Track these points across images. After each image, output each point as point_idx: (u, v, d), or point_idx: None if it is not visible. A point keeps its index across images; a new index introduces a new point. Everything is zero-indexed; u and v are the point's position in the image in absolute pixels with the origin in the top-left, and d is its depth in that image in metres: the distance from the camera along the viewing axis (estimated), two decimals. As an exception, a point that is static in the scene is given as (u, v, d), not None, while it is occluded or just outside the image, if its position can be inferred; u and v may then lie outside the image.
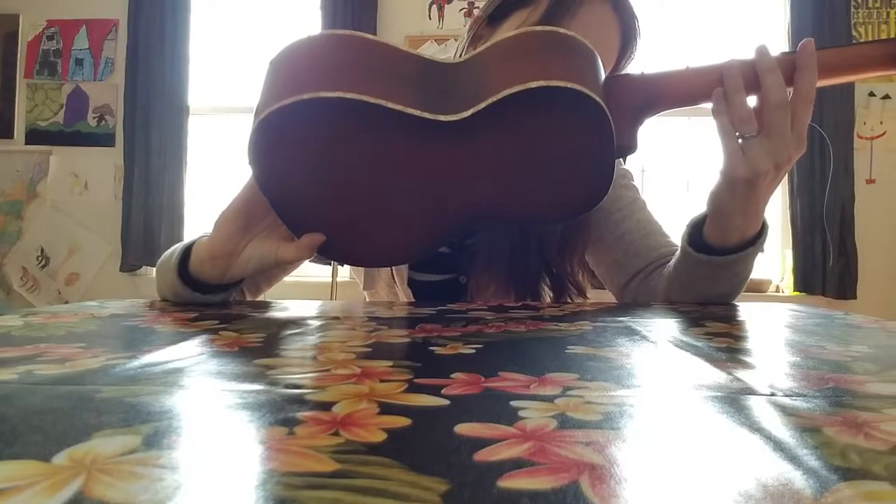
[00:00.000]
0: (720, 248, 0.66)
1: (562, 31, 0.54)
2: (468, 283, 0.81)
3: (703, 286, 0.69)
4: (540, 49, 0.52)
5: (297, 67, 0.51)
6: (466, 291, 0.81)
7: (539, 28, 0.54)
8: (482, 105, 0.49)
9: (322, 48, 0.51)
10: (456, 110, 0.50)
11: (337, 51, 0.51)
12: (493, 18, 0.75)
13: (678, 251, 0.71)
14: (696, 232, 0.68)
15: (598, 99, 0.50)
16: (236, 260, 0.61)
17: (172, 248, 0.69)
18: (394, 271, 0.82)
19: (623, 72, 0.64)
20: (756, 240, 0.66)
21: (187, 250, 0.65)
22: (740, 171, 0.58)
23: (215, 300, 0.66)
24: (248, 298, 0.79)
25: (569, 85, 0.49)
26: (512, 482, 0.17)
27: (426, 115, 0.50)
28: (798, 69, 0.56)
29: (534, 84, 0.48)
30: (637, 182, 0.89)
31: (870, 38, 2.85)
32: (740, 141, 0.58)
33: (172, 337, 0.42)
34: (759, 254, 0.68)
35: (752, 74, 0.56)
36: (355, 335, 0.43)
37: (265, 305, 0.64)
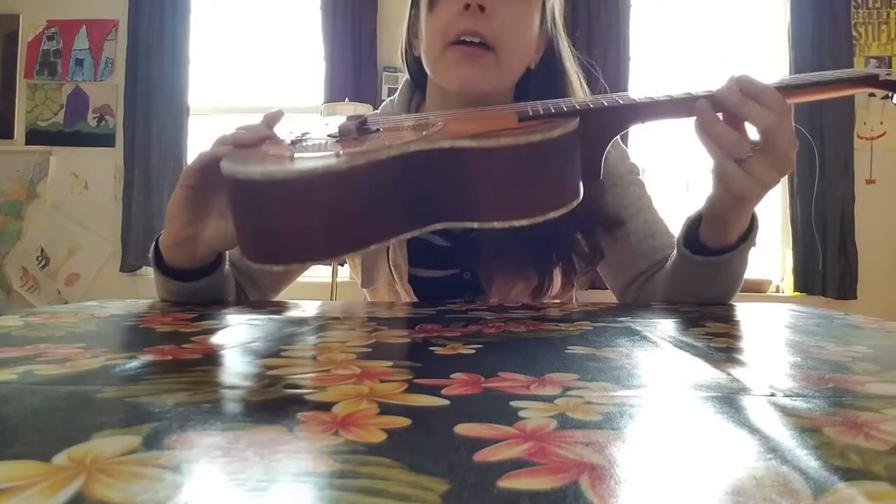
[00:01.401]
0: (717, 247, 0.66)
1: (540, 141, 0.49)
2: (476, 277, 0.80)
3: (701, 287, 0.69)
4: (526, 172, 0.49)
5: (276, 227, 0.45)
6: (469, 287, 0.80)
7: (523, 144, 0.48)
8: (474, 225, 0.49)
9: (294, 198, 0.44)
10: (443, 219, 0.49)
11: (311, 204, 0.44)
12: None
13: (675, 254, 0.71)
14: (691, 233, 0.68)
15: (575, 203, 0.52)
16: (200, 243, 0.63)
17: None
18: (392, 269, 0.81)
19: (597, 97, 0.60)
20: (748, 234, 0.66)
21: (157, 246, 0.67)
22: (748, 189, 0.57)
23: (201, 286, 0.66)
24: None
25: (551, 214, 0.50)
26: (512, 482, 0.17)
27: (415, 232, 0.49)
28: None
29: (517, 223, 0.49)
30: None
31: (870, 39, 2.85)
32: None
33: (172, 337, 0.42)
34: (752, 248, 0.68)
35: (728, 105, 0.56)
36: (355, 335, 0.43)
37: (265, 305, 0.64)
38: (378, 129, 0.57)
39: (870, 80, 0.57)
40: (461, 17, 0.70)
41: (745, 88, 0.55)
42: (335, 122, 0.60)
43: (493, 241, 0.77)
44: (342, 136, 0.55)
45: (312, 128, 0.61)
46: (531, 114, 0.56)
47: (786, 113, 0.55)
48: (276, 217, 0.44)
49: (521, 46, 0.74)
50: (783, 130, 0.55)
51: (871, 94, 2.82)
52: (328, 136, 0.57)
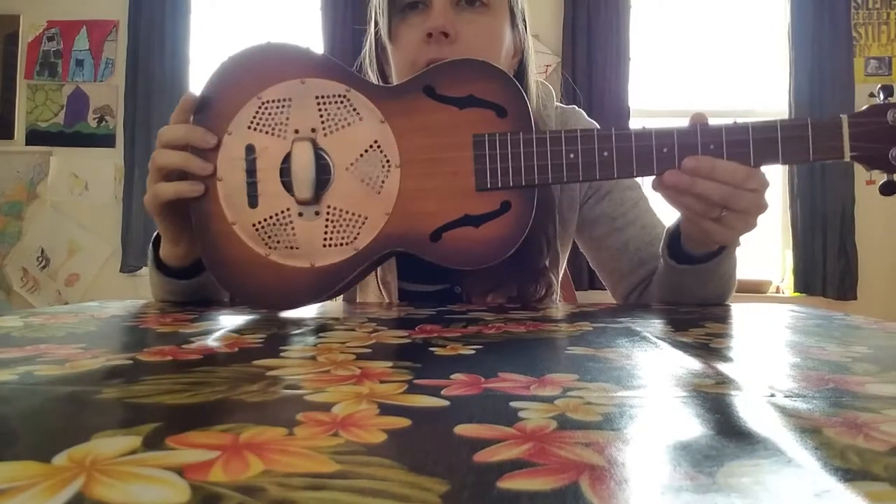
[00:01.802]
0: (701, 255, 0.66)
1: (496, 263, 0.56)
2: (466, 291, 0.79)
3: (693, 292, 0.69)
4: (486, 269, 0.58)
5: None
6: (459, 301, 0.80)
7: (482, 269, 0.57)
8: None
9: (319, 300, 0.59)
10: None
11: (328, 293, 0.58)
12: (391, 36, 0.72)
13: (662, 263, 0.71)
14: (674, 242, 0.68)
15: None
16: None
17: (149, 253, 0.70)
18: (380, 283, 0.80)
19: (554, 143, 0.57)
20: None
21: (157, 256, 0.68)
22: (727, 237, 0.59)
23: (201, 282, 0.67)
24: None
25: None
26: (512, 483, 0.17)
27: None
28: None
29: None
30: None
31: (870, 39, 2.85)
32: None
33: (172, 338, 0.42)
34: (738, 247, 0.67)
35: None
36: (355, 336, 0.43)
37: (265, 306, 0.64)
38: (330, 174, 0.56)
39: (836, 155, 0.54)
40: (426, 46, 0.66)
41: (693, 170, 0.54)
42: (272, 115, 0.57)
43: None
44: (301, 203, 0.55)
45: (253, 131, 0.57)
46: (489, 185, 0.55)
47: (742, 183, 0.54)
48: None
49: (495, 62, 0.70)
50: (739, 198, 0.54)
51: (872, 95, 2.83)
52: (284, 189, 0.56)
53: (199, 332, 0.45)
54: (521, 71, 0.77)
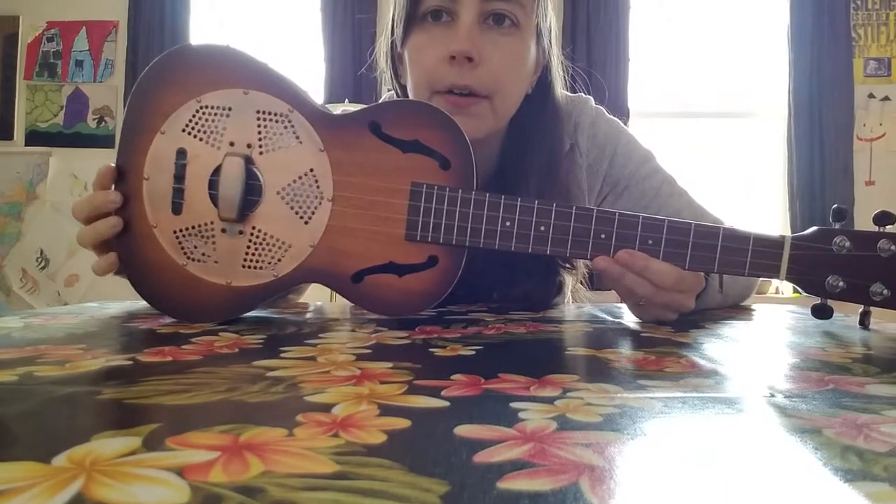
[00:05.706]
0: None
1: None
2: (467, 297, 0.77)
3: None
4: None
5: None
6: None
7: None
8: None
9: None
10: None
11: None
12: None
13: None
14: None
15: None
16: None
17: None
18: None
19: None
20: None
21: None
22: (651, 319, 0.58)
23: None
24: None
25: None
26: (512, 483, 0.17)
27: None
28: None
29: None
30: None
31: (869, 40, 2.85)
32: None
33: (172, 338, 0.42)
34: (721, 291, 0.64)
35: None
36: (355, 337, 0.43)
37: (264, 307, 0.64)
38: (259, 195, 0.54)
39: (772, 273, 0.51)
40: (448, 67, 0.63)
41: (625, 264, 0.53)
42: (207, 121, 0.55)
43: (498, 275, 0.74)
44: (225, 219, 0.54)
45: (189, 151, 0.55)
46: (418, 237, 0.53)
47: (670, 286, 0.53)
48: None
49: (517, 87, 0.68)
50: (664, 296, 0.54)
51: (871, 96, 2.83)
52: (211, 202, 0.54)
53: (199, 332, 0.45)
54: (541, 86, 0.73)
